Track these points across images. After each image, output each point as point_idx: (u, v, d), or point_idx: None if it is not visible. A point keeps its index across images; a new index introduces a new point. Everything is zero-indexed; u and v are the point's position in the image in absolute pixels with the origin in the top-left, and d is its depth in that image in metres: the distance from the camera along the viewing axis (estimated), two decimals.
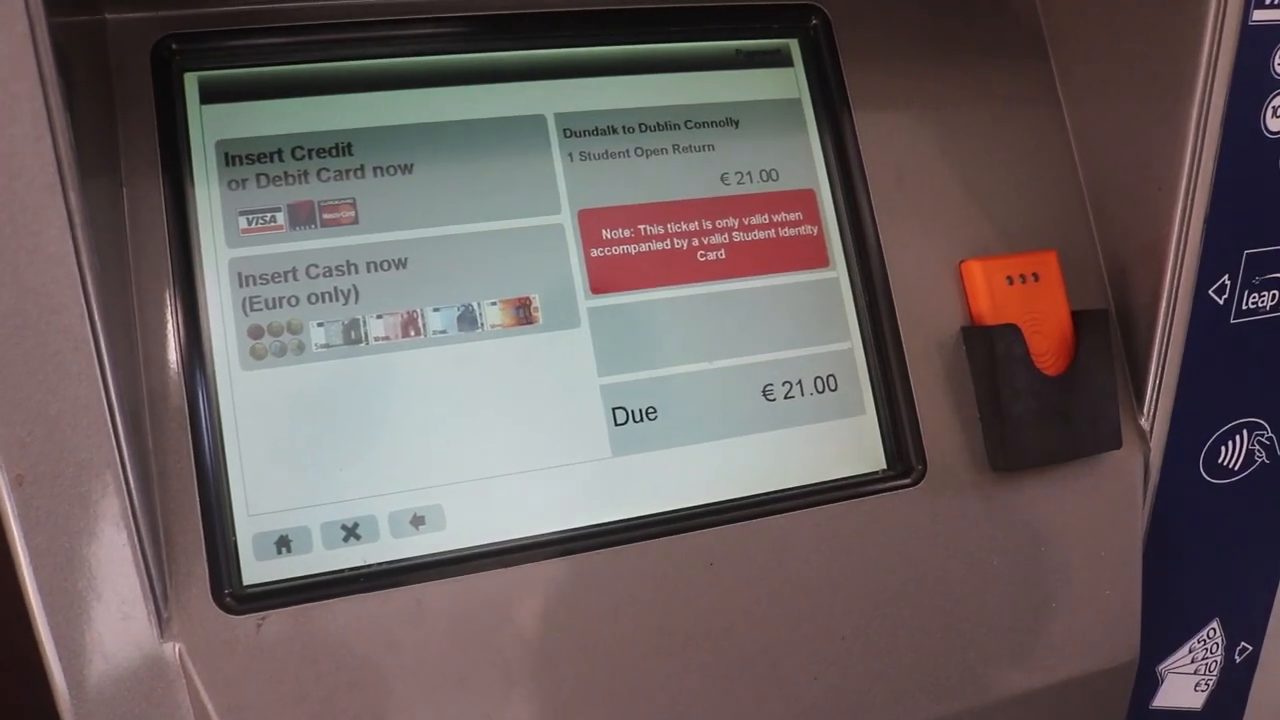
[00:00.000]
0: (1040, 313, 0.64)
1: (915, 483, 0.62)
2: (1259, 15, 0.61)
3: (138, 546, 0.49)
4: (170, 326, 0.54)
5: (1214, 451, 0.69)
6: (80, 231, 0.45)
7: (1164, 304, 0.65)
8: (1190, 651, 0.74)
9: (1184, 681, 0.74)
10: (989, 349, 0.62)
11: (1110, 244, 0.68)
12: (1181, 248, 0.64)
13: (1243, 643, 0.75)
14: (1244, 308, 0.67)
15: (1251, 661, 0.76)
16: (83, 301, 0.46)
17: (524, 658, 0.55)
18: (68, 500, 0.47)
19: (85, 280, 0.46)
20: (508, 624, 0.55)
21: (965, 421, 0.64)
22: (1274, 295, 0.68)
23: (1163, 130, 0.64)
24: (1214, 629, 0.74)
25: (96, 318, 0.46)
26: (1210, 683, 0.75)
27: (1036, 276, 0.65)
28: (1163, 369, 0.66)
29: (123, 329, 0.51)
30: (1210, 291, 0.65)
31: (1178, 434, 0.68)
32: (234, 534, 0.54)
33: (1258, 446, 0.71)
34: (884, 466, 0.63)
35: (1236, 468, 0.70)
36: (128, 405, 0.49)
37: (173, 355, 0.54)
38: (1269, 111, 0.64)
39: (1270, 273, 0.67)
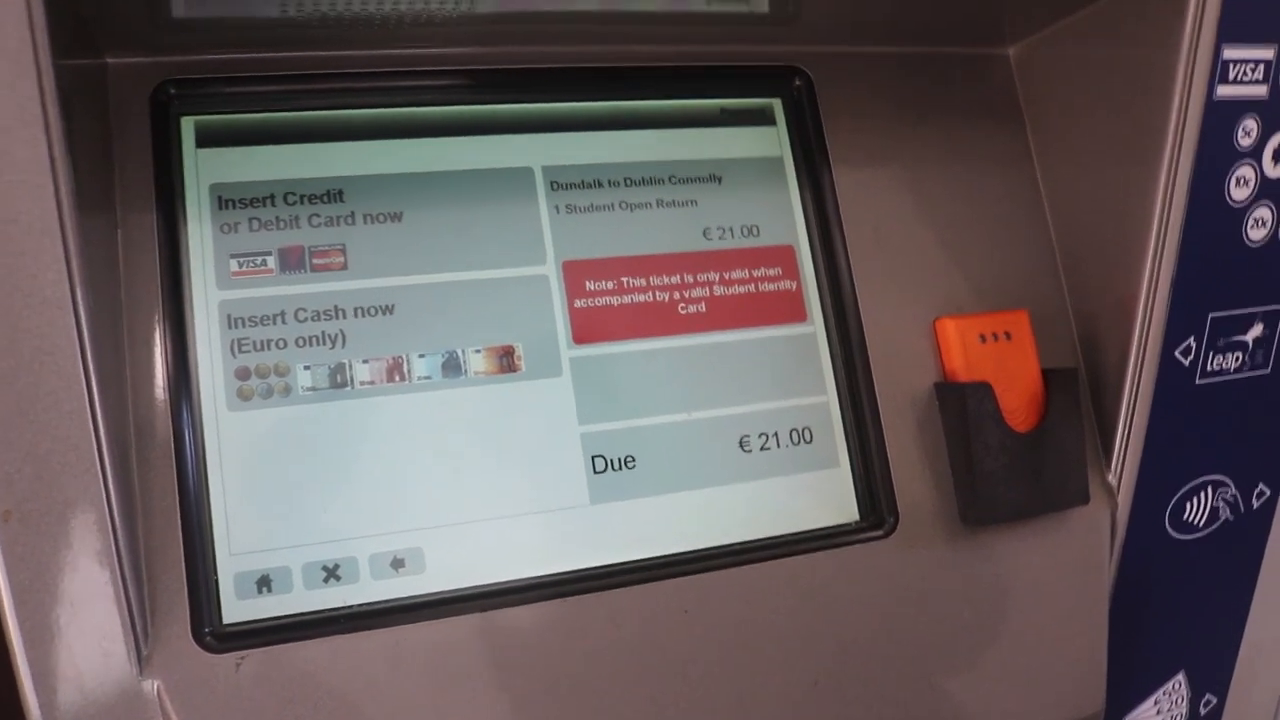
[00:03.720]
0: (1011, 371, 0.66)
1: (887, 535, 0.64)
2: (1222, 91, 0.64)
3: (120, 584, 0.49)
4: (159, 366, 0.55)
5: (1179, 508, 0.71)
6: (77, 276, 0.47)
7: (1132, 364, 0.67)
8: (1156, 703, 0.75)
9: None
10: (961, 406, 0.64)
11: (1081, 304, 0.70)
12: (1149, 309, 0.66)
13: (1208, 694, 0.77)
14: (1209, 369, 0.69)
15: (1216, 713, 0.78)
16: (77, 345, 0.47)
17: (501, 701, 0.56)
18: (53, 537, 0.48)
19: (80, 324, 0.47)
20: (485, 667, 0.55)
21: (937, 475, 0.65)
22: (1238, 357, 0.70)
23: (1132, 196, 0.66)
24: (1179, 681, 0.75)
25: (90, 360, 0.47)
26: None
27: (1009, 335, 0.66)
28: (1130, 427, 0.68)
29: (113, 368, 0.52)
30: (1177, 353, 0.67)
31: (1144, 490, 0.69)
32: (216, 572, 0.54)
33: (1222, 503, 0.72)
34: (857, 518, 0.64)
35: (1201, 524, 0.72)
36: (116, 444, 0.49)
37: (161, 394, 0.55)
38: (1233, 181, 0.66)
39: (1234, 335, 0.69)
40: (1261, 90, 0.65)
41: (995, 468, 0.63)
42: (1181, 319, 0.67)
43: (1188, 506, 0.71)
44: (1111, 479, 0.69)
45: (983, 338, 0.66)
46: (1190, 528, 0.71)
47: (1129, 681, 0.73)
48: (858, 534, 0.63)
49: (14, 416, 0.47)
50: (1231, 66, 0.64)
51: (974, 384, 0.64)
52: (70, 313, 0.47)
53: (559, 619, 0.57)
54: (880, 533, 0.64)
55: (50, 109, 0.46)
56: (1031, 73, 0.73)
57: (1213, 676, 0.76)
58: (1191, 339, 0.67)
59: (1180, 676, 0.75)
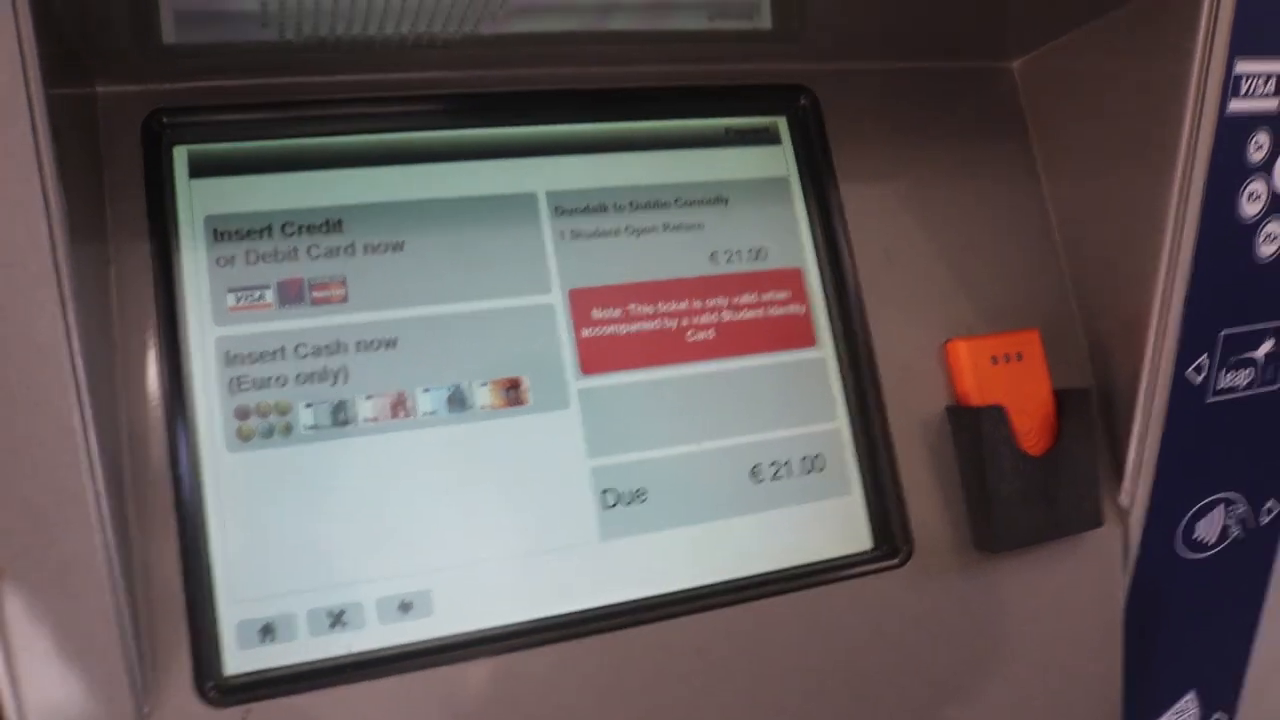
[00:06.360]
0: (1024, 392, 0.65)
1: (901, 563, 0.62)
2: (1235, 105, 0.63)
3: (119, 637, 0.48)
4: (156, 408, 0.53)
5: (1191, 526, 0.70)
6: (72, 321, 0.45)
7: (1144, 383, 0.66)
8: None
9: None
10: (974, 430, 0.63)
11: (1092, 323, 0.69)
12: (1161, 328, 0.65)
13: (1218, 712, 0.76)
14: (1220, 386, 0.68)
15: None
16: (73, 392, 0.45)
17: None
18: (49, 591, 0.46)
19: (75, 369, 0.45)
20: (498, 713, 0.54)
21: (950, 501, 0.64)
22: (1249, 374, 0.69)
23: (1142, 212, 0.65)
24: (1190, 700, 0.74)
25: (86, 407, 0.46)
26: None
27: (1020, 356, 0.65)
28: (1142, 448, 0.67)
29: (108, 413, 0.50)
30: (1188, 371, 0.66)
31: (1156, 511, 0.68)
32: (217, 621, 0.53)
33: (1233, 521, 0.72)
34: (870, 546, 0.63)
35: (1212, 542, 0.71)
36: (113, 492, 0.48)
37: (158, 437, 0.53)
38: (1245, 197, 0.65)
39: (1245, 352, 0.68)
40: (1273, 104, 0.64)
41: (1009, 492, 0.63)
42: (1193, 337, 0.66)
43: (1199, 525, 0.70)
44: (1124, 500, 0.68)
45: (994, 359, 0.65)
46: (1202, 546, 0.71)
47: (1140, 701, 0.72)
48: (871, 563, 0.62)
49: (8, 469, 0.45)
50: (1244, 80, 0.63)
51: (987, 408, 0.63)
52: (66, 360, 0.45)
53: (571, 661, 0.56)
54: (894, 561, 0.63)
55: (43, 144, 0.44)
56: (1036, 87, 0.72)
57: (1223, 694, 0.76)
58: (1204, 357, 0.66)
59: (1191, 695, 0.74)
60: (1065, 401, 0.65)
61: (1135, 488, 0.67)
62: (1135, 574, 0.69)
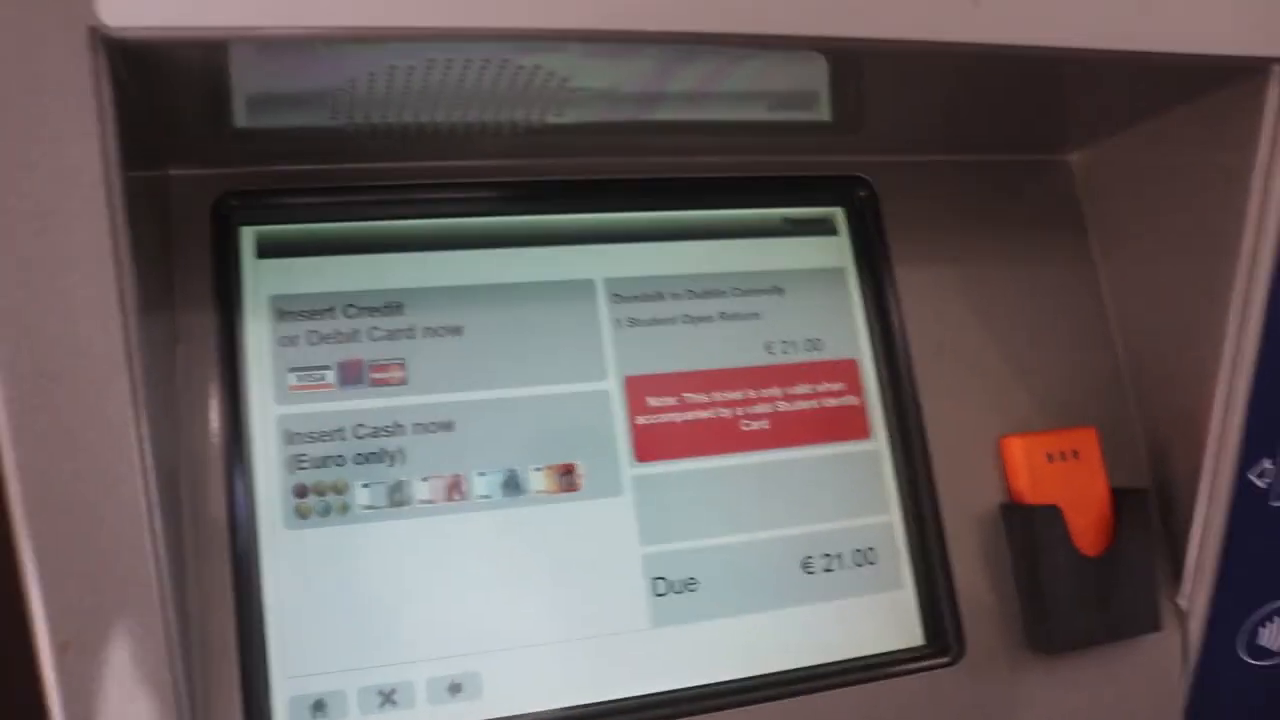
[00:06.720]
0: (1080, 491, 0.64)
1: (954, 661, 0.62)
2: None
3: (175, 712, 0.48)
4: (218, 485, 0.54)
5: (1253, 632, 0.68)
6: (143, 404, 0.46)
7: (1204, 484, 0.65)
8: None
9: None
10: (1029, 529, 0.62)
11: (1150, 420, 0.69)
12: (1222, 428, 0.64)
13: None
14: None
15: None
16: (139, 472, 0.46)
17: None
18: (109, 668, 0.47)
19: (144, 453, 0.46)
20: None
21: (1004, 599, 0.63)
22: None
23: (1202, 306, 0.64)
24: None
25: (150, 486, 0.46)
26: None
27: (1076, 454, 0.65)
28: (1202, 550, 0.65)
29: (171, 489, 0.51)
30: (1251, 474, 0.65)
31: (1217, 614, 0.67)
32: (270, 696, 0.53)
33: None
34: (922, 642, 0.62)
35: (1277, 649, 0.69)
36: (174, 572, 0.48)
37: (219, 513, 0.54)
38: None
39: None
40: None
41: (1064, 593, 0.62)
42: (1256, 438, 0.65)
43: (1262, 631, 0.69)
44: (1183, 603, 0.66)
45: (1050, 457, 0.64)
46: (1266, 653, 0.69)
47: None
48: (923, 659, 0.61)
49: (75, 547, 0.46)
50: None
51: (1042, 507, 0.62)
52: (134, 442, 0.46)
53: None
54: (946, 659, 0.62)
55: (119, 225, 0.46)
56: (1095, 179, 0.72)
57: None
58: (1267, 461, 0.65)
59: None
60: (1123, 501, 0.64)
61: (1195, 590, 0.66)
62: (1195, 680, 0.67)
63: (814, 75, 0.57)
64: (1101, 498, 0.64)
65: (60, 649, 0.46)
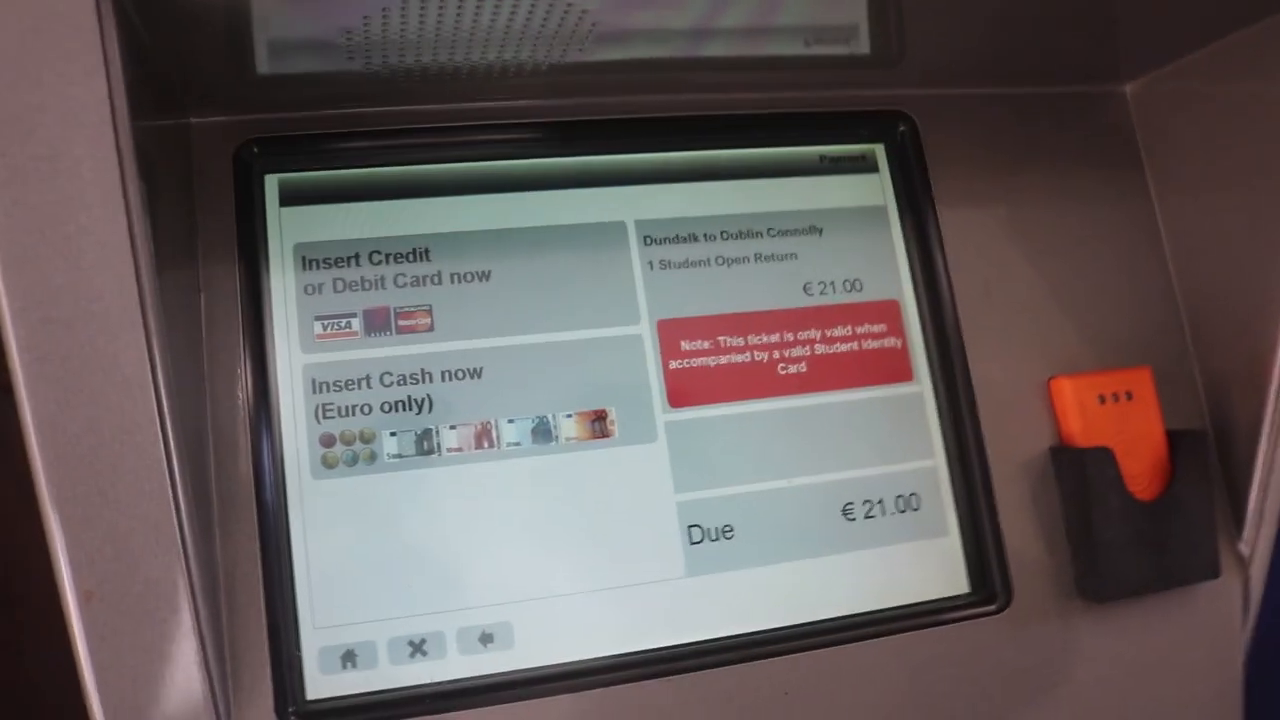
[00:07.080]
0: (1134, 433, 0.61)
1: (1000, 610, 0.60)
2: None
3: (202, 662, 0.48)
4: (242, 435, 0.54)
5: None
6: (158, 352, 0.45)
7: (1267, 425, 0.62)
8: None
9: None
10: (1080, 472, 0.60)
11: (1208, 360, 0.66)
12: None
13: None
14: None
15: None
16: (157, 423, 0.45)
17: None
18: (134, 616, 0.46)
19: (161, 401, 0.45)
20: None
21: (1052, 545, 0.61)
22: None
23: (1264, 242, 0.61)
24: None
25: (170, 438, 0.46)
26: None
27: (1130, 395, 0.62)
28: (1265, 493, 0.63)
29: (195, 439, 0.51)
30: None
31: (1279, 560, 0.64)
32: (299, 647, 0.53)
33: None
34: (967, 590, 0.60)
35: None
36: (198, 520, 0.48)
37: (244, 464, 0.53)
38: None
39: None
40: None
41: (1116, 539, 0.59)
42: None
43: None
44: (1243, 548, 0.64)
45: (1102, 398, 0.62)
46: None
47: None
48: (968, 608, 0.60)
49: (94, 496, 0.45)
50: None
51: (1094, 449, 0.60)
52: (151, 392, 0.45)
53: (653, 699, 0.54)
54: (993, 607, 0.60)
55: (129, 175, 0.45)
56: (1151, 111, 0.69)
57: None
58: None
59: None
60: (1179, 444, 0.62)
61: (1256, 536, 0.63)
62: (1257, 630, 0.64)
63: (853, 4, 0.55)
64: (1157, 440, 0.62)
65: (84, 597, 0.45)
